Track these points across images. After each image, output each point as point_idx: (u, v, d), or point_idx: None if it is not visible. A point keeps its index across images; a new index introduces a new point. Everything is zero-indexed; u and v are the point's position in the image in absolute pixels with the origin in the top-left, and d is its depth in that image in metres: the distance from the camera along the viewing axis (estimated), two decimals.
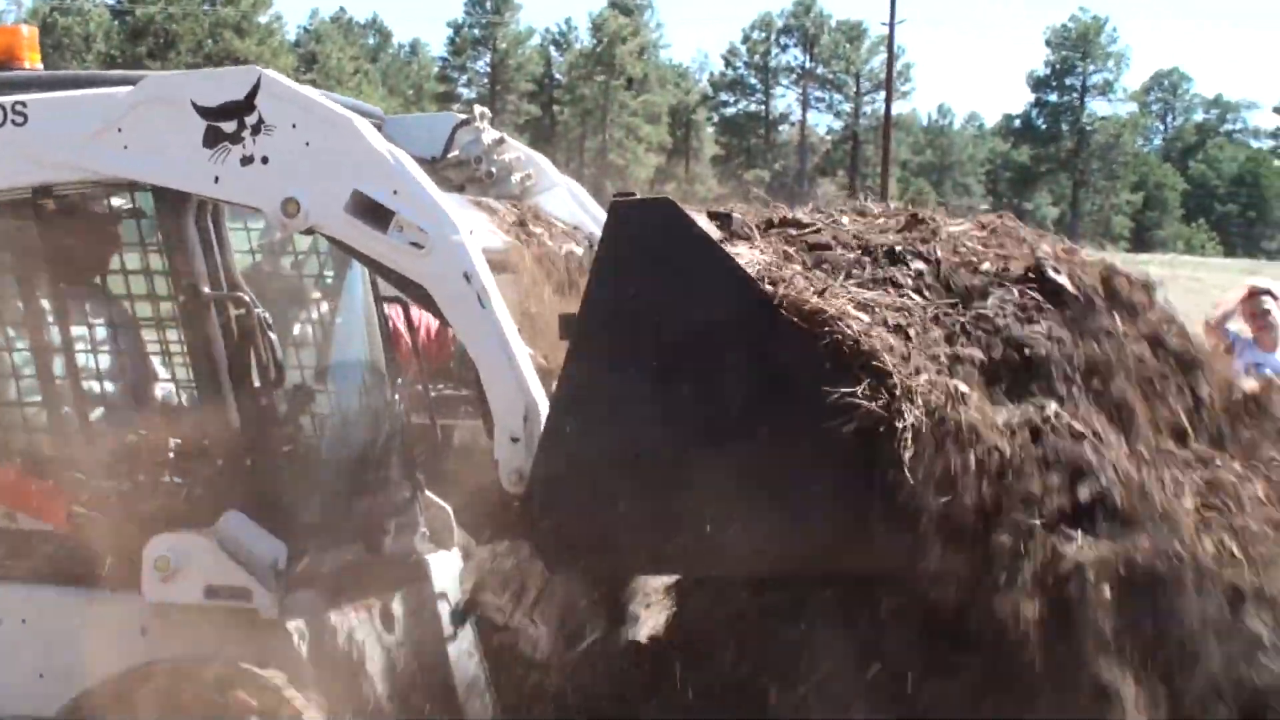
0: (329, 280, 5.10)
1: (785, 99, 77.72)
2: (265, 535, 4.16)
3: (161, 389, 4.57)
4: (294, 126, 3.91)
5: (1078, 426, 3.42)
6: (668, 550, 3.52)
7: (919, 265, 3.66)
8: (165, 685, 4.01)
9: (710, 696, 3.80)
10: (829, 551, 3.43)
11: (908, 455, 3.20)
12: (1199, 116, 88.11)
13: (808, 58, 76.06)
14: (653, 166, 67.01)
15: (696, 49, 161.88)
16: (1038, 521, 3.30)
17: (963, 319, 3.56)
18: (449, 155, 4.94)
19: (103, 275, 4.60)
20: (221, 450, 4.25)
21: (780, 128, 78.36)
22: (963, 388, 3.36)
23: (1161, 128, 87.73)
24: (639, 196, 3.58)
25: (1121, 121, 76.88)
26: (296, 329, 5.04)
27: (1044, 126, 77.81)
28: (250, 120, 3.92)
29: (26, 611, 4.35)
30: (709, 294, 3.41)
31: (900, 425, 3.21)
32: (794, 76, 76.81)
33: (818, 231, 3.84)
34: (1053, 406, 3.44)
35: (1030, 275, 3.69)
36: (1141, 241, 67.70)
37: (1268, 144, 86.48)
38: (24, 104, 4.15)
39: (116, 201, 4.44)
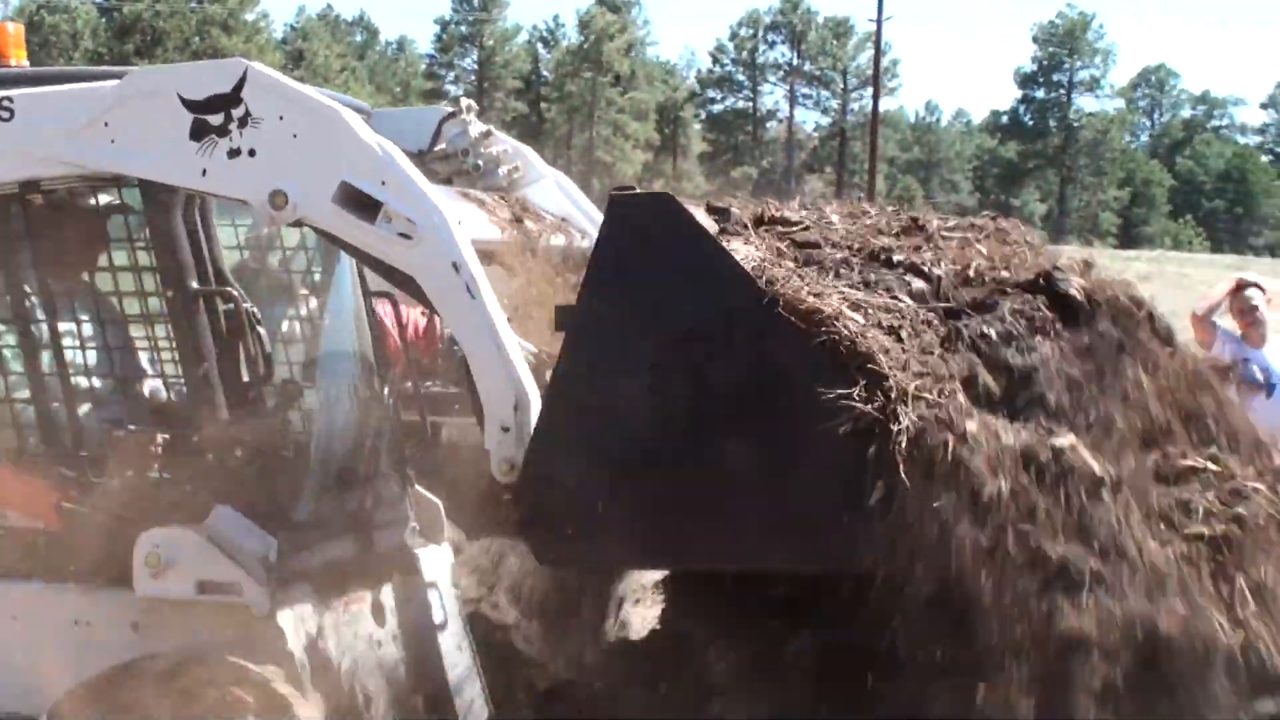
0: (317, 276, 5.10)
1: (772, 96, 77.93)
2: (256, 530, 4.15)
3: (150, 385, 4.57)
4: (281, 118, 3.90)
5: (1091, 463, 3.39)
6: (658, 544, 3.52)
7: (920, 284, 3.64)
8: (156, 680, 4.00)
9: (698, 692, 3.78)
10: (822, 550, 3.43)
11: (902, 458, 3.20)
12: (1186, 112, 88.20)
13: (795, 54, 76.10)
14: (640, 163, 66.92)
15: (684, 46, 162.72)
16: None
17: (960, 325, 3.55)
18: (436, 148, 4.93)
19: (91, 271, 4.60)
20: (211, 445, 4.24)
21: (767, 124, 78.34)
22: (960, 394, 3.36)
23: (1148, 124, 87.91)
24: (638, 191, 3.58)
25: (1109, 118, 76.94)
26: (285, 325, 5.04)
27: (1031, 123, 77.83)
28: (237, 113, 3.91)
29: (15, 608, 4.34)
30: (706, 290, 3.41)
31: (895, 428, 3.21)
32: (781, 73, 76.88)
33: (806, 229, 3.84)
34: (1067, 438, 3.40)
35: (1040, 285, 3.67)
36: (1128, 237, 67.83)
37: (1254, 140, 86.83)
38: (10, 99, 4.14)
39: (104, 197, 4.43)
